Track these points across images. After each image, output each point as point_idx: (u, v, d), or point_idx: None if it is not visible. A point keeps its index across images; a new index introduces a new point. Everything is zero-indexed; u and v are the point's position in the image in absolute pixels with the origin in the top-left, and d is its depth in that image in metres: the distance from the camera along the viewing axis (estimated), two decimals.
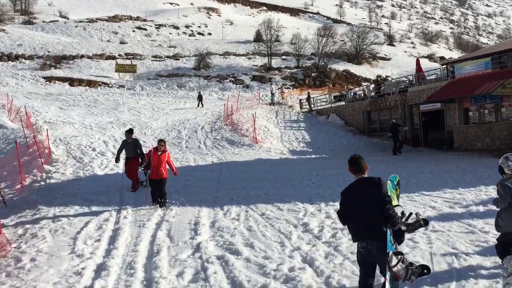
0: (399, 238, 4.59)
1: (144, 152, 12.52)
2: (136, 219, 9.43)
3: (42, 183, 13.76)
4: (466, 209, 8.58)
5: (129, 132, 13.36)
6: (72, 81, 48.64)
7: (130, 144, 13.05)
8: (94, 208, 10.43)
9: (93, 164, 16.66)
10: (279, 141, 25.32)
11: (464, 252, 6.41)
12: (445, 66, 26.07)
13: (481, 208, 9.04)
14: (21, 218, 9.85)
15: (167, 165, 10.76)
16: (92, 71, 53.52)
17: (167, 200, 10.68)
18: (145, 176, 11.32)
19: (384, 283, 4.32)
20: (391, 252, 4.38)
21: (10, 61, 54.69)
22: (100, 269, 6.51)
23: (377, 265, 4.54)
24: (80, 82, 48.73)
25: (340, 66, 59.60)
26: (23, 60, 55.25)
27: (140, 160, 12.39)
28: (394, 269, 4.35)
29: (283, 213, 9.68)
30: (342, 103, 33.44)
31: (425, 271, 4.58)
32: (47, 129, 20.51)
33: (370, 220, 4.42)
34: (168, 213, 9.81)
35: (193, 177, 14.84)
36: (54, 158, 16.91)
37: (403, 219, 4.71)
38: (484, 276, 5.57)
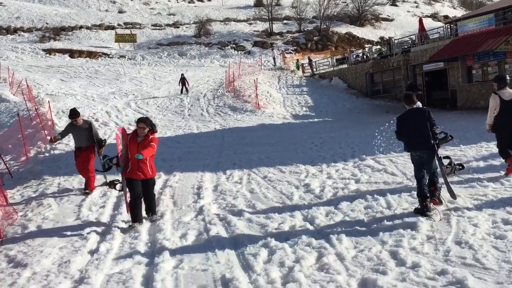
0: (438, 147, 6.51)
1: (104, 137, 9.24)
2: None
3: (47, 154, 13.95)
4: (466, 165, 8.56)
5: (75, 113, 9.21)
6: (72, 53, 48.26)
7: (81, 130, 9.20)
8: (98, 177, 10.53)
9: None
10: (281, 106, 25.25)
11: (463, 206, 6.46)
12: (448, 24, 25.62)
13: (481, 164, 9.07)
14: (27, 188, 10.01)
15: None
16: (92, 42, 53.03)
17: (158, 211, 7.48)
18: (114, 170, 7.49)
19: (434, 173, 6.52)
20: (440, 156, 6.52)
21: (9, 35, 54.15)
22: (105, 234, 6.64)
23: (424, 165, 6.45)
24: (80, 53, 48.35)
25: (343, 29, 58.64)
26: (22, 33, 54.68)
27: (96, 149, 9.33)
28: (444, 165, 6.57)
29: (285, 175, 9.76)
30: (345, 66, 33.12)
31: (461, 167, 7.26)
32: (48, 101, 20.54)
33: (423, 135, 6.32)
34: (171, 178, 9.90)
35: (196, 143, 14.93)
36: (57, 130, 17.01)
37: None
38: (482, 226, 5.63)
